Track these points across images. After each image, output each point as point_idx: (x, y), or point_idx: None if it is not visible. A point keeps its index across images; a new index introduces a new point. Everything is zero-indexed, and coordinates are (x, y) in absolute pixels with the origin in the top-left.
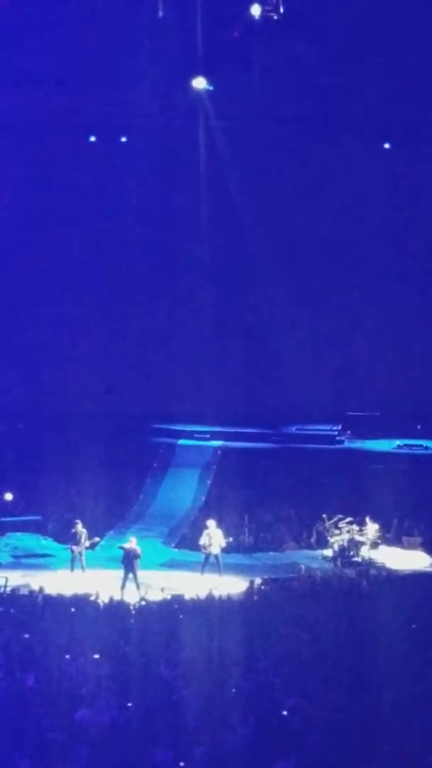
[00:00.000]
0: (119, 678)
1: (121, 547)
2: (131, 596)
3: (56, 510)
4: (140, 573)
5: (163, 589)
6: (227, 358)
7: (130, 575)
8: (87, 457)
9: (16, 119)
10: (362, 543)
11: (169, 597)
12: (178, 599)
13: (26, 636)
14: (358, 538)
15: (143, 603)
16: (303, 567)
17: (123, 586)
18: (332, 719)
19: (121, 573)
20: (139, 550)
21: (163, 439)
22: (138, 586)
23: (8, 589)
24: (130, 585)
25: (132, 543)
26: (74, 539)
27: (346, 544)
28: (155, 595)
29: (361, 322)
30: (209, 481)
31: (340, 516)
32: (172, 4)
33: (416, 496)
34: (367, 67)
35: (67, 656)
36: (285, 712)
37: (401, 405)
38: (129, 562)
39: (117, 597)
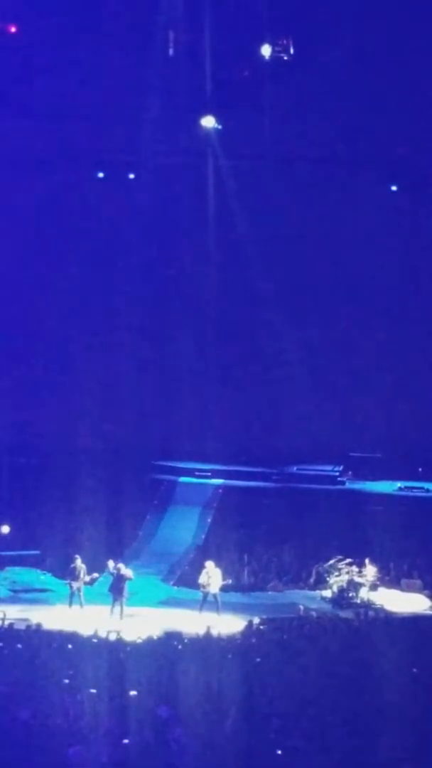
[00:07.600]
0: (115, 715)
1: (111, 573)
2: (126, 631)
3: (55, 545)
4: (139, 609)
5: (158, 628)
6: (230, 397)
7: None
8: (87, 493)
9: (26, 153)
10: (361, 584)
11: (162, 634)
12: (175, 637)
13: (22, 671)
14: (357, 579)
15: (139, 640)
16: (302, 607)
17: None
18: (329, 761)
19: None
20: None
21: (164, 476)
22: (122, 613)
23: (6, 623)
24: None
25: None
26: (73, 575)
27: (345, 585)
28: (151, 632)
29: (365, 363)
30: (209, 520)
31: (340, 557)
32: (183, 42)
33: (416, 538)
34: (376, 109)
35: (64, 692)
36: (279, 752)
37: (403, 447)
38: (118, 587)
39: (114, 634)
